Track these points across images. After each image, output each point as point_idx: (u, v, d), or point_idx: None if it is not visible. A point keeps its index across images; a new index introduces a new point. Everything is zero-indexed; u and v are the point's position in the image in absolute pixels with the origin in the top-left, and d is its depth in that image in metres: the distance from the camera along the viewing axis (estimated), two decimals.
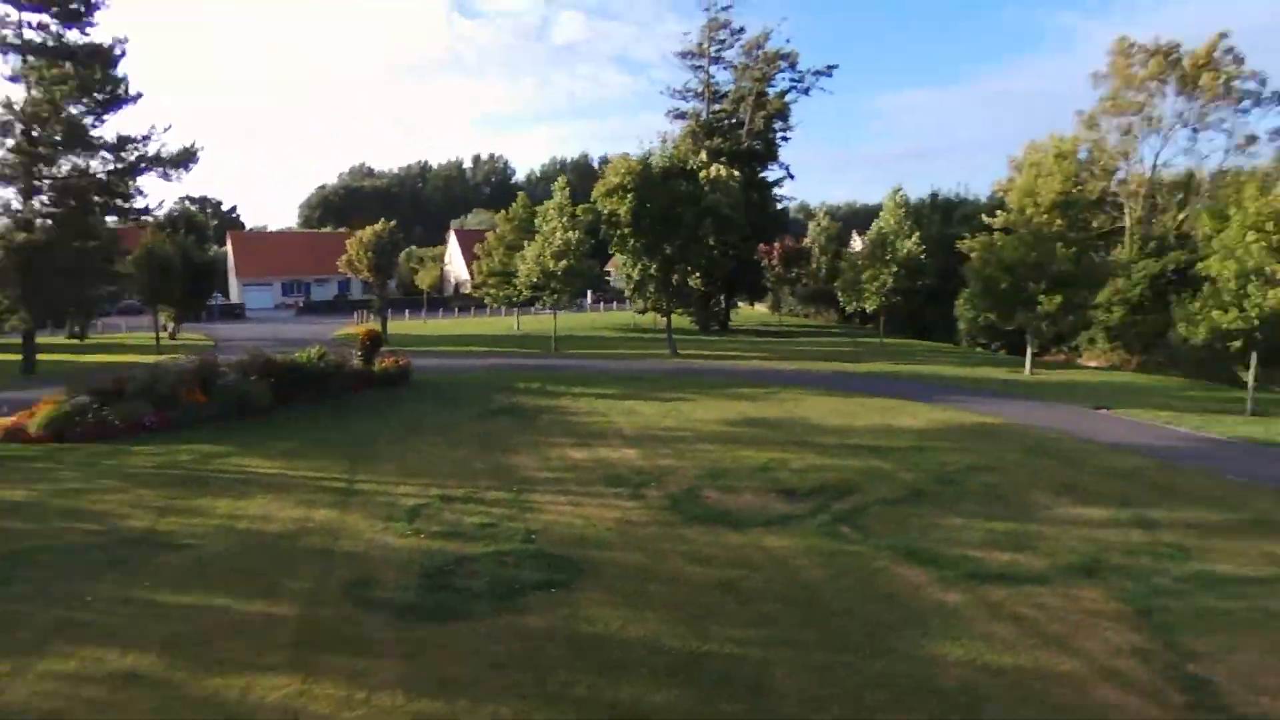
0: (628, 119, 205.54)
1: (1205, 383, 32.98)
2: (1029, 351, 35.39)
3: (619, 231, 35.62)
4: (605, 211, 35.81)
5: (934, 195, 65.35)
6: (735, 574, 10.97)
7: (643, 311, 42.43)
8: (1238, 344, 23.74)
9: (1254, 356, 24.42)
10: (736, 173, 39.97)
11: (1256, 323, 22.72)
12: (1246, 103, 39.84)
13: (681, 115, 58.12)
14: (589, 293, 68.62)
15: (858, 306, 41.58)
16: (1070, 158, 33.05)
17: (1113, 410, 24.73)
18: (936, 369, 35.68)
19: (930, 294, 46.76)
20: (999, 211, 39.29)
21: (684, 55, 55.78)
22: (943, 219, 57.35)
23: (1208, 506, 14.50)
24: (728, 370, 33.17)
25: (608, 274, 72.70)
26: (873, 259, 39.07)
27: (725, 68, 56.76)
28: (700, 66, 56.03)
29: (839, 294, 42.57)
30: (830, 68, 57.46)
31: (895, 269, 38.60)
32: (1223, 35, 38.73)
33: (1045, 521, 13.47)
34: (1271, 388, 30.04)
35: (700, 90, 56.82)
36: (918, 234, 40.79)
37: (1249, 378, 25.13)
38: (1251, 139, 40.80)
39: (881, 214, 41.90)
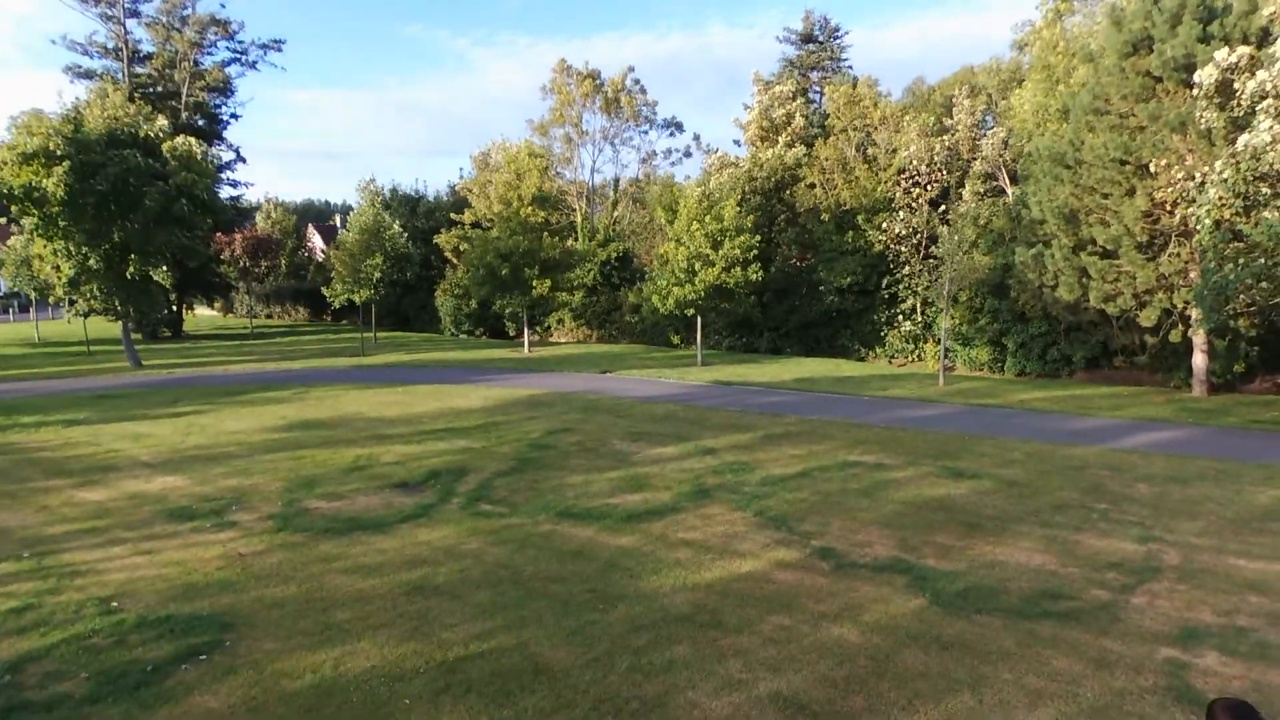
0: None
1: (649, 346, 40.92)
2: (527, 332, 39.06)
3: (44, 211, 26.73)
4: (15, 187, 26.49)
5: (394, 189, 65.95)
6: (418, 574, 9.73)
7: (85, 315, 33.08)
8: (691, 311, 30.24)
9: (699, 321, 31.41)
10: (209, 148, 34.02)
11: (702, 294, 29.27)
12: (646, 125, 50.22)
13: (89, 75, 46.90)
14: None
15: (345, 299, 39.42)
16: (544, 157, 37.25)
17: (614, 372, 29.00)
18: (445, 354, 36.59)
19: (407, 285, 48.45)
20: (467, 209, 43.73)
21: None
22: (410, 212, 58.36)
23: (735, 431, 18.29)
24: (222, 377, 28.36)
25: None
26: (367, 249, 37.72)
27: (145, 23, 47.72)
28: (113, 17, 45.87)
29: (328, 288, 39.83)
30: (278, 41, 53.27)
31: (386, 259, 38.18)
32: (630, 69, 48.02)
33: (640, 464, 15.23)
34: (690, 346, 38.96)
35: (116, 47, 46.61)
36: (398, 223, 41.33)
37: (698, 339, 32.24)
38: (652, 154, 51.74)
39: (359, 205, 41.72)
